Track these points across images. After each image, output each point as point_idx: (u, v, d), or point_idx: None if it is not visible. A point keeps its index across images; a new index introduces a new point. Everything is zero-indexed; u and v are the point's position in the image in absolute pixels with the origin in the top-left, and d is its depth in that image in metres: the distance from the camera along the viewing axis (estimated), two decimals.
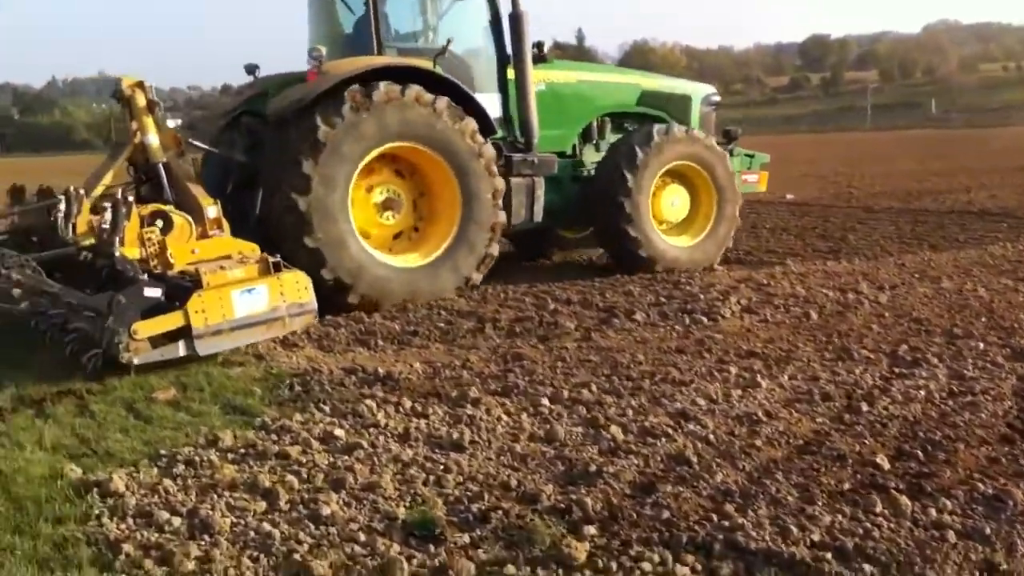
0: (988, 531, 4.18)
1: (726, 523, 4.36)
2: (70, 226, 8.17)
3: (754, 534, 4.21)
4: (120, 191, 8.27)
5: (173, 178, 9.03)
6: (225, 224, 8.72)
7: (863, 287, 9.84)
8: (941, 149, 41.88)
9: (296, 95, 9.49)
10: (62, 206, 8.22)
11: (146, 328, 7.06)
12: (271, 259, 7.91)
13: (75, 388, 7.03)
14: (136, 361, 7.08)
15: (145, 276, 7.38)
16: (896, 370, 6.84)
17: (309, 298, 7.97)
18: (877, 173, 29.02)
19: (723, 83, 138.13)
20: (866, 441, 5.43)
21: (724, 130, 12.69)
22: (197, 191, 8.90)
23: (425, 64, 10.08)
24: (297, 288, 7.90)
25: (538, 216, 11.11)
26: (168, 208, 8.47)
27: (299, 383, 7.10)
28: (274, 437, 5.91)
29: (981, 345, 7.43)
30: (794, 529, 4.24)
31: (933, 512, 4.41)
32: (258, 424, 6.18)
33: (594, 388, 6.69)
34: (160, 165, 9.04)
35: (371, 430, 6.00)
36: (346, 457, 5.53)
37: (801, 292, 9.65)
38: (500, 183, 10.30)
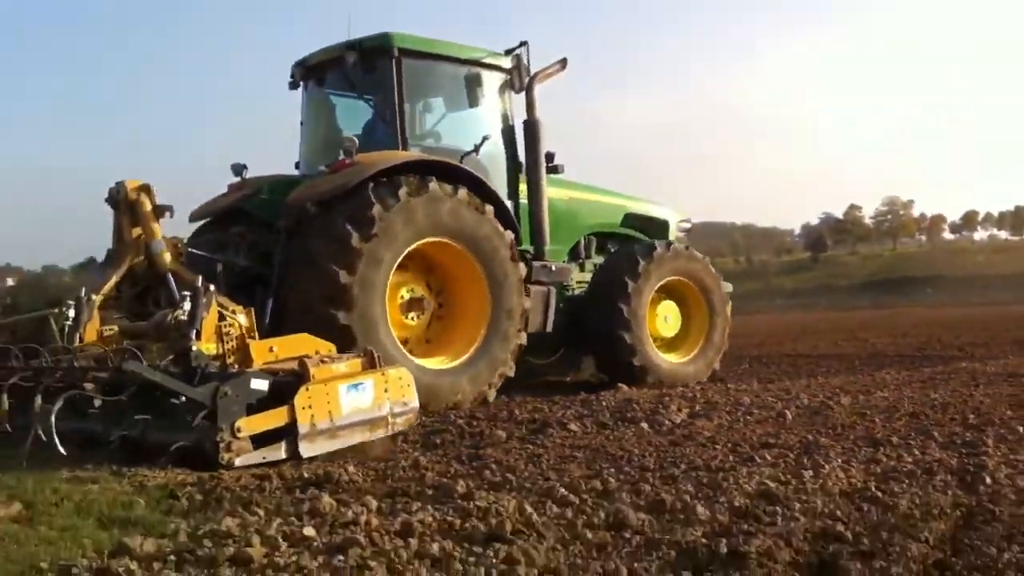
0: None
1: None
2: (77, 335, 7.40)
3: None
4: (200, 279, 7.17)
5: (187, 287, 7.90)
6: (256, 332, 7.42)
7: (802, 397, 8.77)
8: None
9: (331, 184, 8.91)
10: (71, 313, 7.55)
11: (251, 425, 5.96)
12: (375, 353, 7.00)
13: None
14: (237, 463, 5.87)
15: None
16: (961, 451, 5.70)
17: (412, 396, 6.95)
18: None
19: None
20: None
21: None
22: (222, 299, 7.72)
23: (454, 162, 9.70)
24: (401, 385, 6.89)
25: (550, 326, 10.61)
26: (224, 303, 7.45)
27: (198, 492, 5.22)
28: (208, 543, 4.02)
29: (1004, 428, 6.52)
30: None
31: None
32: (171, 531, 4.29)
33: (611, 479, 5.16)
34: (169, 274, 8.38)
35: (352, 528, 4.25)
36: (341, 557, 3.76)
37: (745, 400, 8.50)
38: (523, 268, 9.90)
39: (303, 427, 6.16)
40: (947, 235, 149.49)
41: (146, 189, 8.55)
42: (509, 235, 9.68)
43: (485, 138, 10.22)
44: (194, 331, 6.67)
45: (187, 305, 6.93)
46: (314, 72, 10.70)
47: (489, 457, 6.02)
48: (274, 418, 6.10)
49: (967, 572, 3.39)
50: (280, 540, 4.02)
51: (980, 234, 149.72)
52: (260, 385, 6.15)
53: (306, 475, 5.57)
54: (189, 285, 7.86)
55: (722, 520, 4.20)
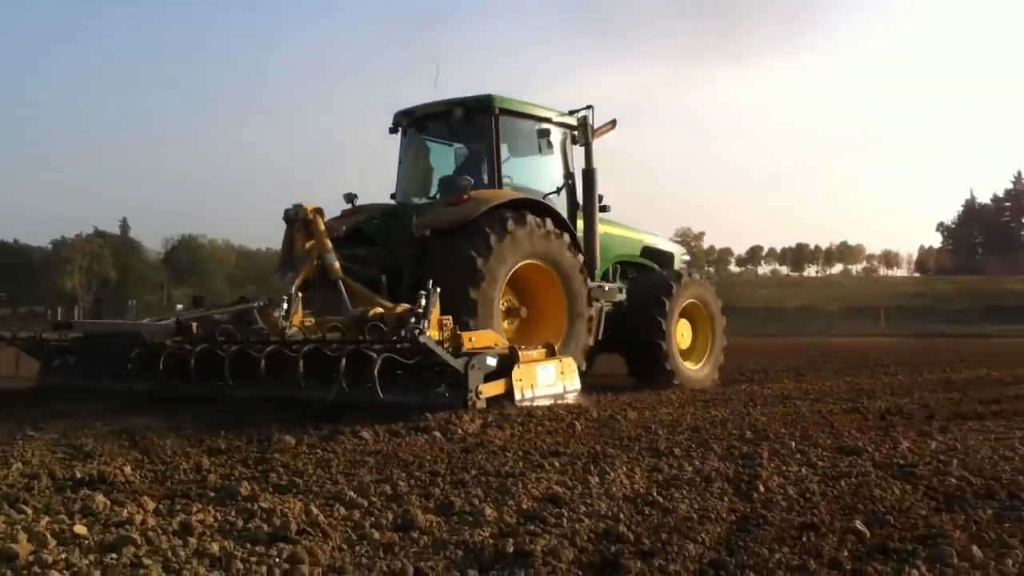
0: None
1: None
2: (288, 323, 9.22)
3: None
4: (430, 282, 8.89)
5: (353, 292, 10.33)
6: None
7: (592, 411, 8.92)
8: None
9: (459, 213, 10.85)
10: (285, 305, 9.38)
11: (486, 390, 8.30)
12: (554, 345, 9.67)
13: None
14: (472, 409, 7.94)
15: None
16: (738, 462, 5.94)
17: (577, 379, 9.54)
18: None
19: None
20: (817, 511, 4.48)
21: None
22: (384, 303, 10.05)
23: (542, 200, 11.94)
24: (571, 369, 9.48)
25: (599, 337, 12.65)
26: None
27: None
28: None
29: (777, 443, 6.77)
30: None
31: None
32: None
33: (401, 484, 5.14)
34: (340, 281, 10.36)
35: (126, 527, 4.06)
36: (114, 555, 3.59)
37: (537, 412, 8.53)
38: (590, 284, 12.10)
39: (517, 394, 8.53)
40: (733, 268, 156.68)
41: (320, 211, 10.66)
42: (581, 259, 11.91)
43: (567, 182, 12.76)
44: (426, 322, 8.34)
45: (423, 302, 8.64)
46: (417, 121, 12.86)
47: (276, 461, 5.86)
48: (498, 387, 8.43)
49: (740, 571, 3.51)
50: (49, 537, 3.80)
51: (763, 269, 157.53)
52: (492, 362, 8.47)
53: (79, 475, 5.31)
54: (358, 292, 10.34)
55: (509, 521, 4.23)
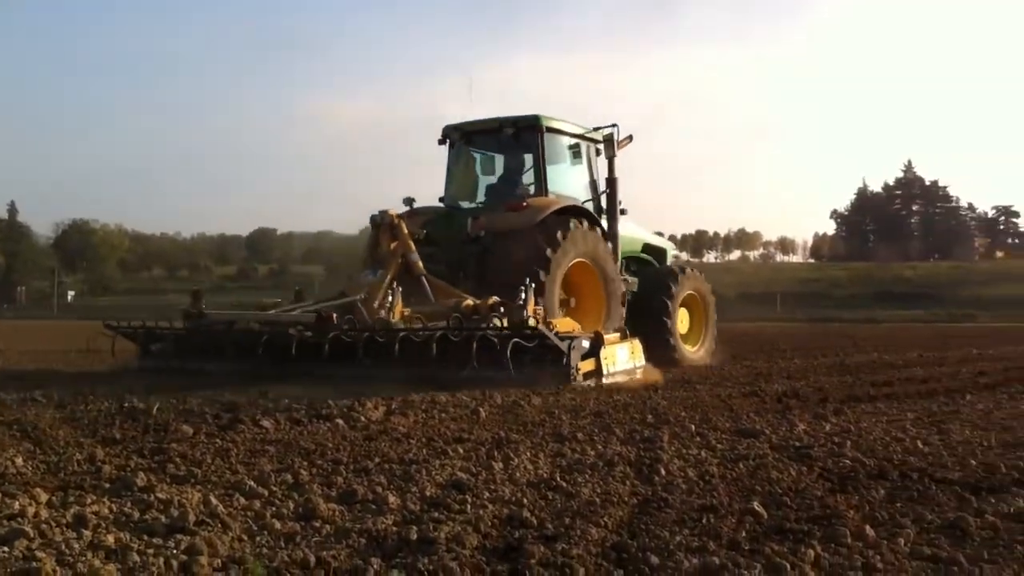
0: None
1: None
2: (391, 313, 10.82)
3: None
4: (527, 280, 10.79)
5: (435, 286, 12.00)
6: None
7: (496, 397, 8.92)
8: None
9: (521, 218, 12.72)
10: (390, 298, 11.02)
11: (583, 366, 9.99)
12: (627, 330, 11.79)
13: None
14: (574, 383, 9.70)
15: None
16: (639, 445, 6.01)
17: (642, 358, 11.45)
18: None
19: (169, 268, 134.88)
20: (716, 493, 4.56)
21: None
22: (461, 294, 11.63)
23: (582, 206, 13.91)
24: (639, 351, 11.41)
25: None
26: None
27: None
28: None
29: (678, 426, 6.89)
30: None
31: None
32: None
33: (303, 472, 5.07)
34: (423, 276, 12.01)
35: (19, 520, 3.93)
36: (5, 548, 3.48)
37: (441, 398, 8.58)
38: (625, 286, 14.20)
39: (605, 370, 10.29)
40: None
41: (402, 217, 12.46)
42: (618, 264, 14.04)
43: (603, 192, 14.73)
44: (525, 311, 9.98)
45: (523, 295, 10.26)
46: (466, 135, 14.51)
47: (173, 451, 5.72)
48: (590, 364, 10.15)
49: (642, 553, 3.55)
50: None
51: None
52: (585, 344, 10.18)
53: None
54: (439, 287, 12.03)
55: (413, 508, 4.21)
